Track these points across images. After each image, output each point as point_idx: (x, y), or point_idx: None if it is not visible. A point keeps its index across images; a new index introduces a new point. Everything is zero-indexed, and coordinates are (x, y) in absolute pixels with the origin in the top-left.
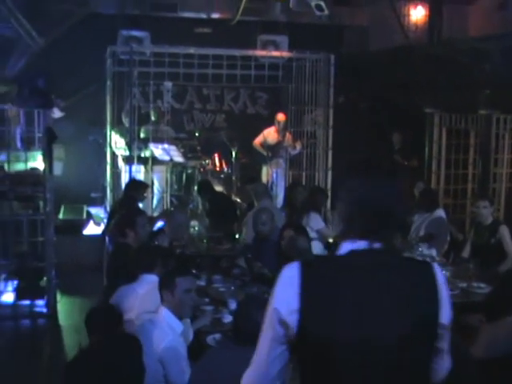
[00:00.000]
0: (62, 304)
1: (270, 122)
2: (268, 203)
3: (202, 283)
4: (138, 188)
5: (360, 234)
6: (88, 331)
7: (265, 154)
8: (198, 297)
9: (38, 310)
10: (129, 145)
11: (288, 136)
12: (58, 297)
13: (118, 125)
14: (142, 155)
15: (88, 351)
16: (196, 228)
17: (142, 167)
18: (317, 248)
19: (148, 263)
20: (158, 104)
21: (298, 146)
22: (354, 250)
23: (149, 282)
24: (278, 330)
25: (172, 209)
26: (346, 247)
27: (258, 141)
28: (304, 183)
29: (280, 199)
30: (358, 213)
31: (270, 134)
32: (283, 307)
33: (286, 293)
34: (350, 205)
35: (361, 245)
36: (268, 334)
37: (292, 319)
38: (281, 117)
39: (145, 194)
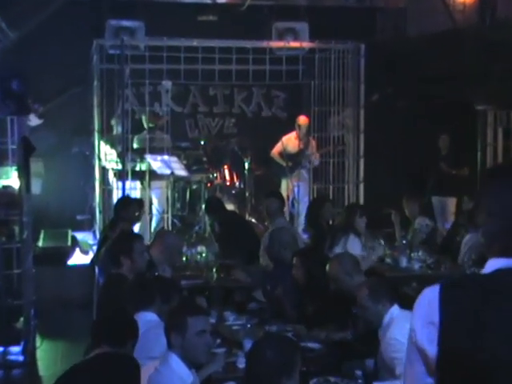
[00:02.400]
0: (43, 350)
1: (290, 126)
2: (283, 222)
3: (212, 320)
4: (127, 206)
5: (507, 251)
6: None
7: (284, 164)
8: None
9: (12, 358)
10: (121, 157)
11: (312, 143)
12: (38, 341)
13: (107, 133)
14: (138, 169)
15: (84, 365)
16: (204, 254)
17: (137, 183)
18: None
19: (145, 298)
20: (156, 108)
21: (317, 158)
22: (501, 268)
23: (146, 322)
24: (421, 363)
25: (163, 229)
26: (492, 265)
27: (276, 150)
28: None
29: (303, 219)
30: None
31: (289, 141)
32: (423, 336)
33: (424, 319)
34: (505, 220)
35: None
36: (411, 369)
37: (433, 349)
38: (302, 120)
39: (136, 214)
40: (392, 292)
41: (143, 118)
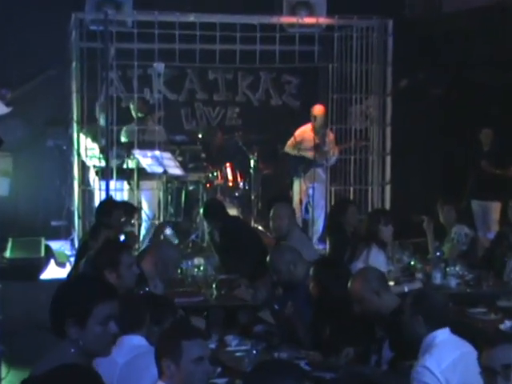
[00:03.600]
0: (9, 381)
1: (304, 117)
2: (297, 234)
3: (212, 345)
4: (110, 211)
5: None
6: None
7: (310, 156)
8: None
9: None
10: (105, 152)
11: (330, 136)
12: (3, 370)
13: (88, 124)
14: (124, 166)
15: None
16: (202, 268)
17: (124, 183)
18: None
19: (133, 319)
20: (146, 94)
21: (335, 154)
22: None
23: (132, 347)
24: None
25: (155, 239)
26: None
27: (291, 144)
28: None
29: (319, 226)
30: None
31: (303, 135)
32: None
33: None
34: None
35: None
36: None
37: None
38: (318, 110)
39: (122, 220)
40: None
41: (131, 106)
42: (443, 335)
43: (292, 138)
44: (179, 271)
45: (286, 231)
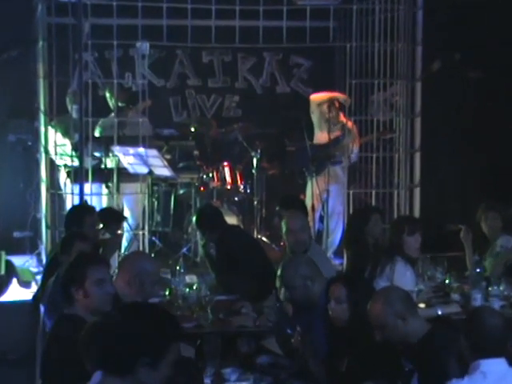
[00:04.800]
0: None
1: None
2: (316, 247)
3: (207, 381)
4: (81, 218)
5: None
6: None
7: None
8: None
9: None
10: (78, 149)
11: (350, 124)
12: None
13: (58, 115)
14: (102, 166)
15: None
16: (194, 287)
17: (101, 187)
18: None
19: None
20: (127, 80)
21: (356, 148)
22: None
23: None
24: None
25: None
26: None
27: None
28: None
29: (335, 238)
30: None
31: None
32: None
33: None
34: None
35: None
36: None
37: None
38: None
39: (98, 227)
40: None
41: (107, 94)
42: (497, 366)
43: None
44: (167, 292)
45: (308, 246)
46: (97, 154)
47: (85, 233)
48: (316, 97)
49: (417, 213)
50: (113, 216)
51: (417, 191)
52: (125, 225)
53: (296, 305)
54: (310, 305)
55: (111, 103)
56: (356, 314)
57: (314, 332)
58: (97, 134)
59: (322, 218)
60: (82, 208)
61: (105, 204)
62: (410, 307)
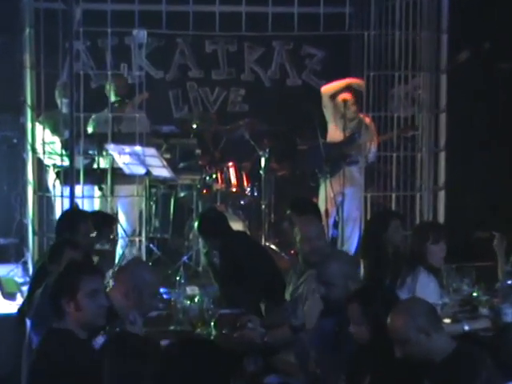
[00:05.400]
0: None
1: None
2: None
3: None
4: (74, 224)
5: None
6: None
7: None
8: None
9: None
10: (68, 147)
11: (367, 121)
12: None
13: (47, 110)
14: (95, 166)
15: None
16: (196, 300)
17: (94, 189)
18: None
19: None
20: (122, 71)
21: (374, 147)
22: None
23: None
24: None
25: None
26: None
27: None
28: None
29: (351, 245)
30: None
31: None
32: None
33: None
34: None
35: None
36: None
37: None
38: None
39: (92, 235)
40: None
41: (107, 86)
42: None
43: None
44: (166, 304)
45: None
46: (89, 153)
47: (76, 240)
48: (328, 88)
49: (441, 218)
50: (104, 220)
51: (441, 194)
52: (119, 231)
53: (329, 304)
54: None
55: (112, 96)
56: (378, 331)
57: (342, 335)
58: (89, 130)
59: (336, 224)
60: (77, 214)
61: (97, 208)
62: (434, 322)
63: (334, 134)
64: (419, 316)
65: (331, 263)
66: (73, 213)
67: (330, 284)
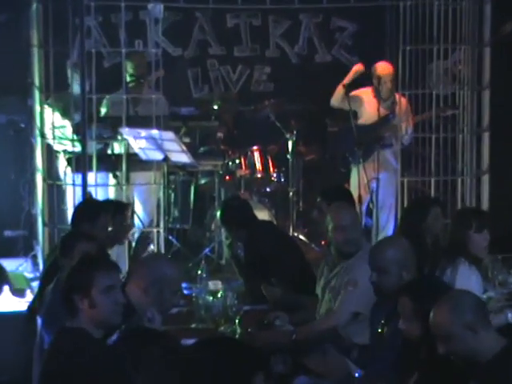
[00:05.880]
0: None
1: (363, 79)
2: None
3: None
4: (95, 217)
5: None
6: None
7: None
8: None
9: None
10: (80, 132)
11: (402, 103)
12: None
13: (56, 92)
14: (109, 152)
15: None
16: (219, 295)
17: (108, 176)
18: None
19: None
20: (137, 48)
21: (410, 128)
22: None
23: None
24: None
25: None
26: None
27: (339, 91)
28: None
29: (387, 234)
30: None
31: (363, 100)
32: None
33: None
34: None
35: None
36: None
37: None
38: (384, 68)
39: (110, 228)
40: None
41: (129, 64)
42: None
43: (340, 86)
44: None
45: (360, 245)
46: (103, 137)
47: (93, 232)
48: (335, 98)
49: (485, 205)
50: (116, 206)
51: (485, 179)
52: (136, 221)
53: (381, 292)
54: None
55: (128, 76)
56: (429, 329)
57: (389, 330)
58: (102, 113)
59: (370, 212)
60: (97, 204)
61: (112, 197)
62: (482, 318)
63: (368, 114)
64: (466, 311)
65: (387, 248)
66: (93, 203)
67: (383, 271)
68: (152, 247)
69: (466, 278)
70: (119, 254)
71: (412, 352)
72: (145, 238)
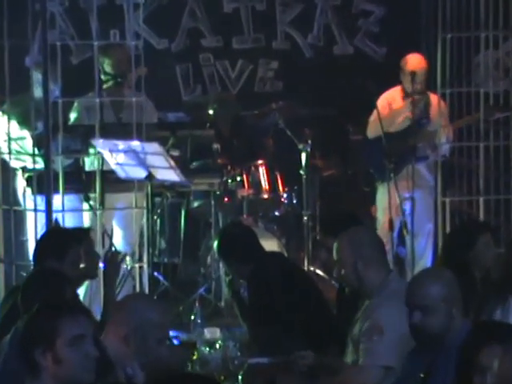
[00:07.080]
0: None
1: (391, 74)
2: (395, 281)
3: None
4: (63, 250)
5: None
6: None
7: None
8: None
9: None
10: (43, 144)
11: (439, 106)
12: None
13: (13, 95)
14: (80, 169)
15: None
16: (218, 345)
17: (79, 199)
18: None
19: None
20: (113, 39)
21: (450, 137)
22: None
23: None
24: None
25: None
26: None
27: (375, 121)
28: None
29: (425, 264)
30: None
31: (392, 105)
32: None
33: None
34: None
35: None
36: None
37: None
38: (417, 62)
39: (82, 265)
40: None
41: (105, 61)
42: None
43: (374, 112)
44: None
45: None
46: (71, 151)
47: (63, 268)
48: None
49: None
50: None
51: None
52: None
53: (425, 336)
54: (445, 341)
55: (105, 76)
56: None
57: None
58: (71, 120)
59: (403, 239)
60: (66, 235)
61: (86, 224)
62: None
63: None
64: None
65: (431, 281)
66: (61, 233)
67: (429, 310)
68: (126, 265)
69: None
70: (93, 293)
71: None
72: (114, 256)
